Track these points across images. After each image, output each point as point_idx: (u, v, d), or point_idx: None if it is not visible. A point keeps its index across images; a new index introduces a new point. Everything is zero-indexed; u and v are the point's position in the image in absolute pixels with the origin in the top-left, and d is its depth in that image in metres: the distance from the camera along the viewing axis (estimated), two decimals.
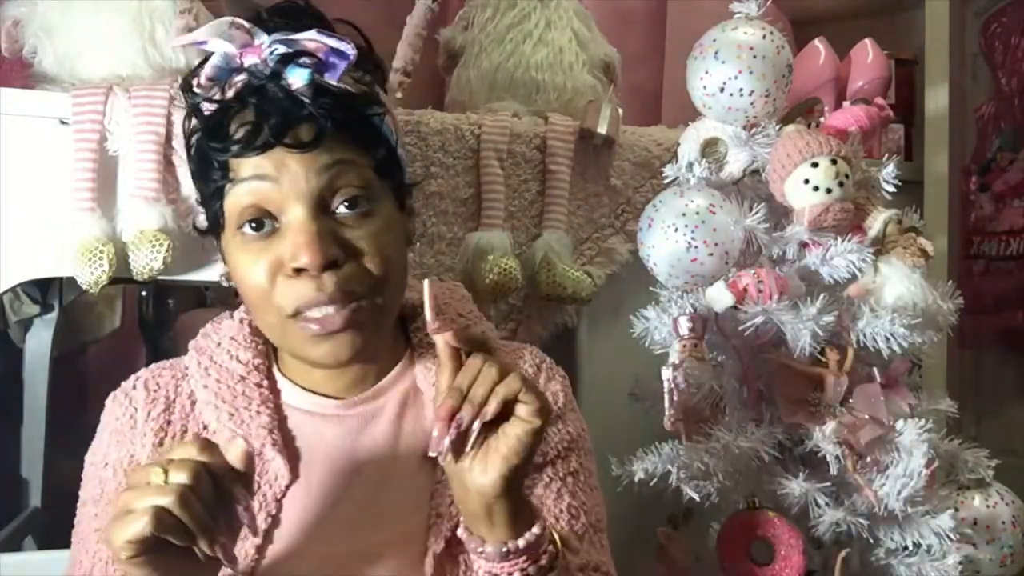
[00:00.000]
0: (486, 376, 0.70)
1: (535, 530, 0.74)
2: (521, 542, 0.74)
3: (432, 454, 0.70)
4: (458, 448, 0.70)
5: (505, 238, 1.40)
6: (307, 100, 0.76)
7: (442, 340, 0.72)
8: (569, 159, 1.45)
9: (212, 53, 0.78)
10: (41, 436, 1.73)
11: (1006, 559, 1.38)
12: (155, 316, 2.06)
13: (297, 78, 0.76)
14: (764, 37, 1.33)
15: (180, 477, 0.65)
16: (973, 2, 2.04)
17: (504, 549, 0.73)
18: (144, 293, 2.04)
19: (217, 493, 0.66)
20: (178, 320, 2.06)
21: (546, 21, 1.53)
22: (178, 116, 1.23)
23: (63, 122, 1.22)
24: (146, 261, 1.18)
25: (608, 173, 1.50)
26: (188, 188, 1.25)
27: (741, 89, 1.32)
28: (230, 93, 0.78)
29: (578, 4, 1.59)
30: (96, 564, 0.83)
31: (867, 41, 1.79)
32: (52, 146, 1.22)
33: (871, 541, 1.26)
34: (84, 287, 1.18)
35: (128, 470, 0.85)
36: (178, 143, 1.24)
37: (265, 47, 0.77)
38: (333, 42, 0.77)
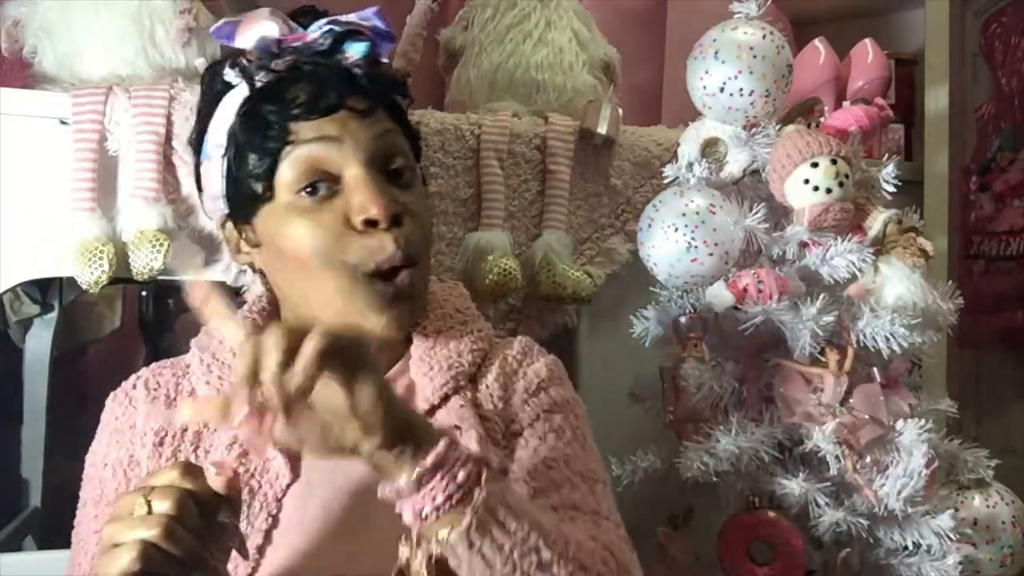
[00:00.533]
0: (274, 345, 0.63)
1: (439, 447, 0.66)
2: (429, 459, 0.66)
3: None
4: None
5: (505, 238, 1.40)
6: (358, 73, 0.83)
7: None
8: (569, 159, 1.45)
9: (232, 47, 0.85)
10: (41, 436, 1.73)
11: (1006, 559, 1.38)
12: (155, 316, 2.06)
13: (355, 51, 0.83)
14: (764, 37, 1.33)
15: (163, 507, 0.63)
16: (973, 2, 2.04)
17: (415, 476, 0.65)
18: (144, 293, 2.04)
19: (204, 517, 0.65)
20: (178, 320, 2.06)
21: (546, 21, 1.53)
22: (178, 116, 1.23)
23: (63, 122, 1.22)
24: (146, 261, 1.18)
25: (608, 173, 1.50)
26: (188, 188, 1.25)
27: (741, 89, 1.32)
28: (282, 67, 0.83)
29: (578, 4, 1.59)
30: (95, 565, 0.83)
31: (867, 41, 1.79)
32: (52, 146, 1.22)
33: (871, 541, 1.26)
34: (84, 287, 1.18)
35: (128, 470, 0.84)
36: (178, 143, 1.24)
37: (314, 29, 0.84)
38: (382, 25, 0.85)
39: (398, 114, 0.87)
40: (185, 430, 0.85)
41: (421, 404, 0.86)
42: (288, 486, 0.82)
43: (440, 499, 0.66)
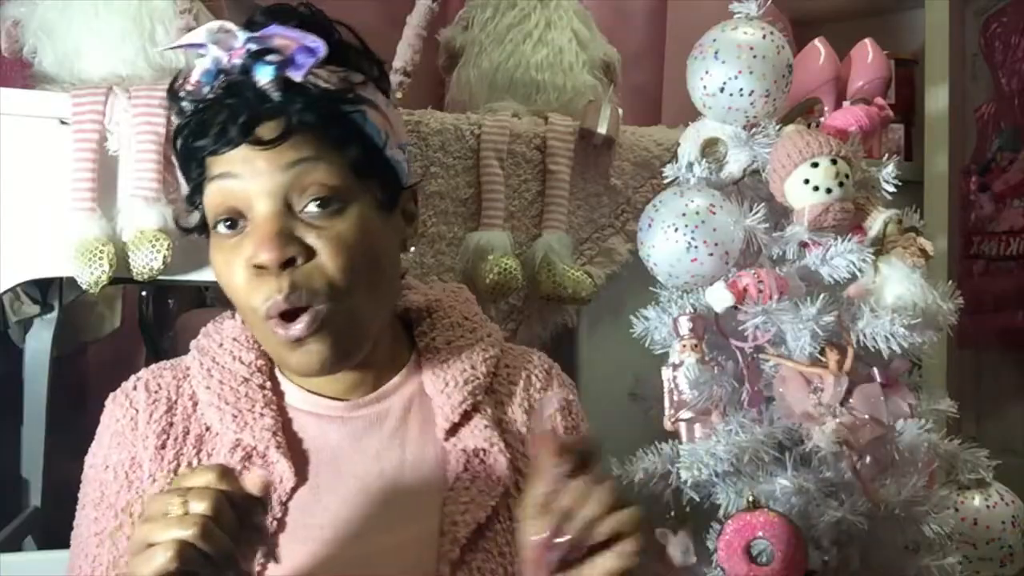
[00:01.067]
0: (599, 499, 0.67)
1: None
2: None
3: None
4: (552, 570, 0.67)
5: (505, 238, 1.40)
6: (274, 97, 0.76)
7: (543, 450, 0.70)
8: (569, 159, 1.45)
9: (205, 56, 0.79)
10: (41, 436, 1.73)
11: (1006, 559, 1.38)
12: (155, 316, 2.06)
13: (263, 75, 0.76)
14: (764, 37, 1.33)
15: (201, 507, 0.64)
16: (973, 2, 2.04)
17: None
18: (144, 293, 2.04)
19: (239, 519, 0.65)
20: (178, 320, 2.06)
21: (546, 21, 1.53)
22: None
23: (63, 122, 1.22)
24: (146, 261, 1.18)
25: (608, 173, 1.50)
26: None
27: (741, 89, 1.32)
28: (210, 93, 0.78)
29: (578, 4, 1.59)
30: (96, 568, 0.82)
31: (867, 41, 1.79)
32: (52, 146, 1.22)
33: (871, 541, 1.26)
34: (84, 287, 1.18)
35: (129, 472, 0.84)
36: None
37: (239, 46, 0.77)
38: (303, 38, 0.76)
39: (331, 132, 0.78)
40: (187, 433, 0.85)
41: (441, 423, 0.86)
42: (293, 490, 0.82)
43: None
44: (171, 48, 0.81)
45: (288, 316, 0.76)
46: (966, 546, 1.30)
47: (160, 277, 1.20)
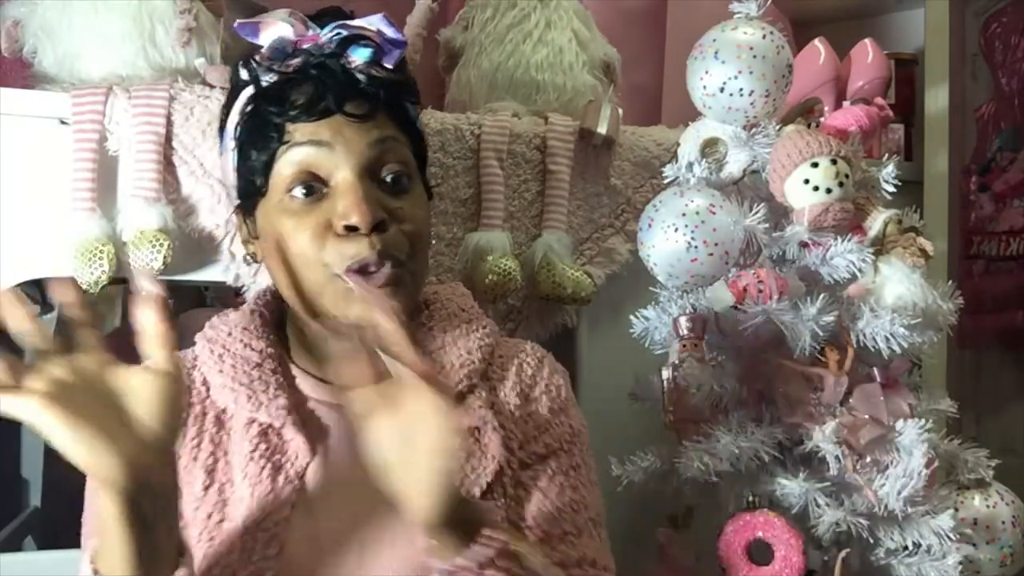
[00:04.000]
0: None
1: (481, 548, 0.73)
2: (466, 555, 0.73)
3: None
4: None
5: (505, 238, 1.40)
6: (361, 78, 0.84)
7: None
8: (569, 159, 1.45)
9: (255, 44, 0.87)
10: (41, 436, 1.73)
11: (1006, 559, 1.38)
12: None
13: (358, 56, 0.84)
14: (764, 37, 1.33)
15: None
16: (973, 2, 2.04)
17: (448, 566, 0.73)
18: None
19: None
20: (178, 320, 2.06)
21: (546, 21, 1.53)
22: (178, 116, 1.23)
23: (63, 122, 1.22)
24: (146, 261, 1.18)
25: (608, 173, 1.50)
26: (188, 188, 1.25)
27: (741, 89, 1.32)
28: (290, 68, 0.84)
29: (578, 4, 1.59)
30: None
31: (867, 41, 1.79)
32: (52, 146, 1.22)
33: (871, 541, 1.26)
34: (84, 287, 1.18)
35: None
36: (178, 143, 1.24)
37: (325, 32, 0.85)
38: (390, 31, 0.86)
39: (403, 119, 0.88)
40: (205, 414, 0.88)
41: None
42: (306, 465, 0.85)
43: None
44: (242, 24, 0.87)
45: (362, 272, 0.81)
46: (966, 546, 1.30)
47: (160, 277, 1.20)
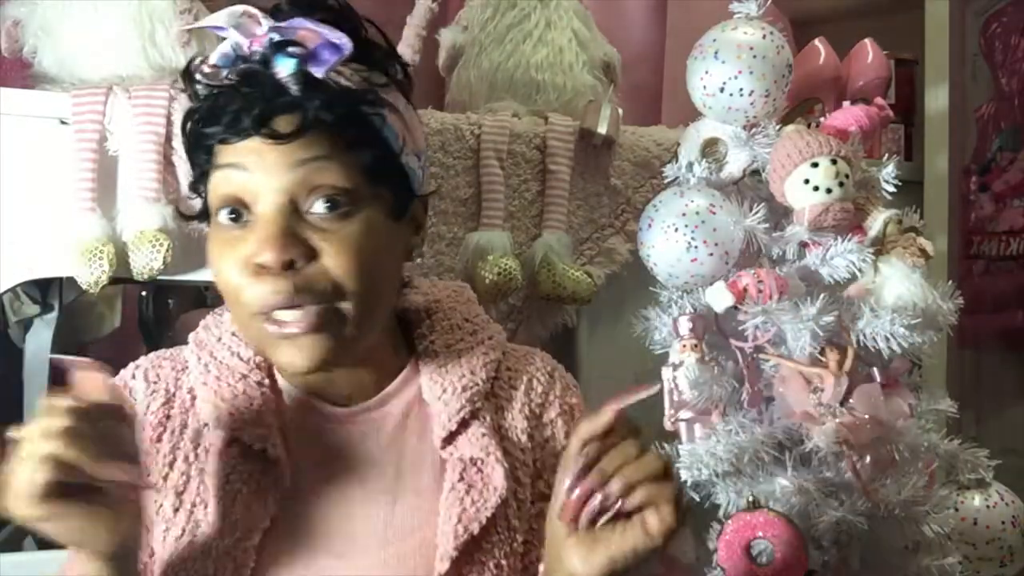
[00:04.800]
0: (642, 466, 0.69)
1: None
2: None
3: (557, 519, 0.70)
4: (577, 521, 0.70)
5: (505, 238, 1.40)
6: (292, 90, 0.73)
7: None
8: (569, 159, 1.45)
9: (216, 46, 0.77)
10: None
11: (1006, 559, 1.38)
12: (155, 316, 2.06)
13: (283, 67, 0.73)
14: (764, 37, 1.33)
15: (56, 422, 0.64)
16: (973, 2, 2.04)
17: None
18: (144, 293, 2.04)
19: (98, 430, 0.66)
20: (178, 320, 2.06)
21: (546, 21, 1.53)
22: (178, 116, 1.23)
23: (63, 122, 1.22)
24: (146, 261, 1.18)
25: (608, 173, 1.50)
26: (188, 188, 1.25)
27: (741, 89, 1.32)
28: (226, 79, 0.76)
29: (578, 4, 1.59)
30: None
31: (867, 41, 1.79)
32: (52, 146, 1.22)
33: (871, 541, 1.26)
34: (84, 287, 1.18)
35: None
36: (178, 143, 1.24)
37: (263, 33, 0.74)
38: (328, 33, 0.73)
39: (348, 133, 0.75)
40: (185, 427, 0.83)
41: (438, 431, 0.83)
42: (290, 492, 0.80)
43: None
44: (191, 28, 0.79)
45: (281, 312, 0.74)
46: (966, 546, 1.30)
47: (160, 277, 1.20)
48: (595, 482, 0.69)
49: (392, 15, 1.53)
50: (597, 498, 0.69)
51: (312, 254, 0.74)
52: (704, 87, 1.35)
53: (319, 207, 0.74)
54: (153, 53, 1.26)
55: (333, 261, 0.74)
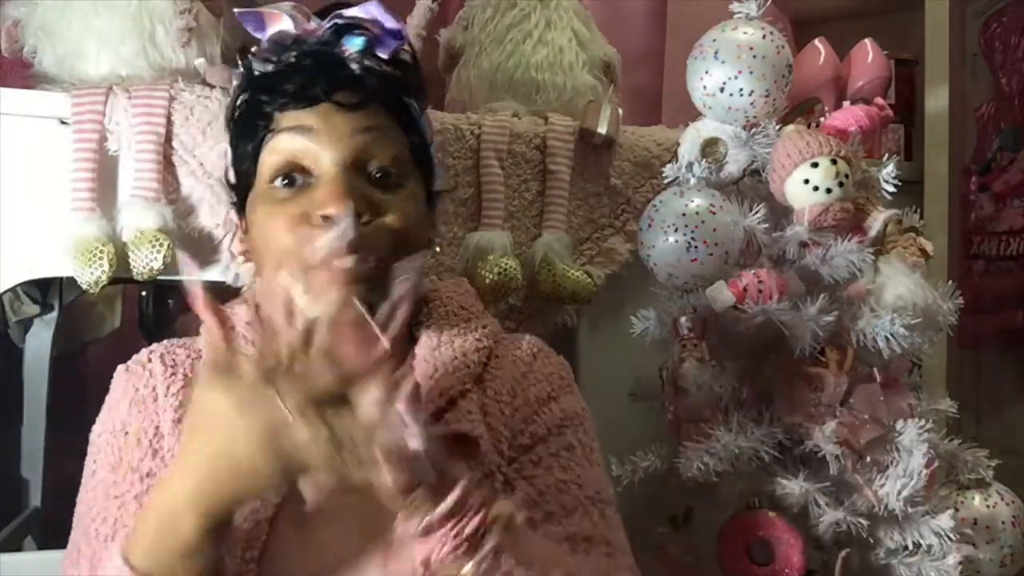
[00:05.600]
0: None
1: (453, 496, 0.65)
2: (440, 508, 0.65)
3: None
4: None
5: (505, 238, 1.40)
6: (354, 67, 0.82)
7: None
8: (569, 159, 1.45)
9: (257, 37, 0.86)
10: (41, 436, 1.73)
11: (1006, 559, 1.38)
12: (155, 316, 2.06)
13: (352, 45, 0.83)
14: (764, 37, 1.33)
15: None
16: (973, 2, 2.04)
17: (423, 524, 0.65)
18: (144, 293, 2.04)
19: None
20: (178, 320, 2.06)
21: (546, 21, 1.53)
22: (178, 116, 1.23)
23: (63, 122, 1.22)
24: (146, 261, 1.18)
25: (608, 173, 1.50)
26: (188, 188, 1.25)
27: (741, 89, 1.32)
28: (285, 59, 0.84)
29: (578, 4, 1.59)
30: (119, 530, 0.80)
31: (867, 41, 1.79)
32: (52, 146, 1.22)
33: (871, 541, 1.26)
34: (84, 287, 1.18)
35: (153, 440, 0.83)
36: (178, 143, 1.24)
37: (325, 24, 0.84)
38: (388, 21, 0.84)
39: (399, 113, 0.85)
40: None
41: (427, 406, 0.83)
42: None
43: (446, 550, 0.65)
44: (246, 15, 0.86)
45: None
46: (966, 546, 1.30)
47: (160, 277, 1.20)
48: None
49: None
50: None
51: (375, 210, 0.80)
52: (704, 87, 1.35)
53: (376, 172, 0.82)
54: (153, 53, 1.26)
55: (392, 219, 0.81)
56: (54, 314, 1.73)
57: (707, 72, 1.34)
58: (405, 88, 0.86)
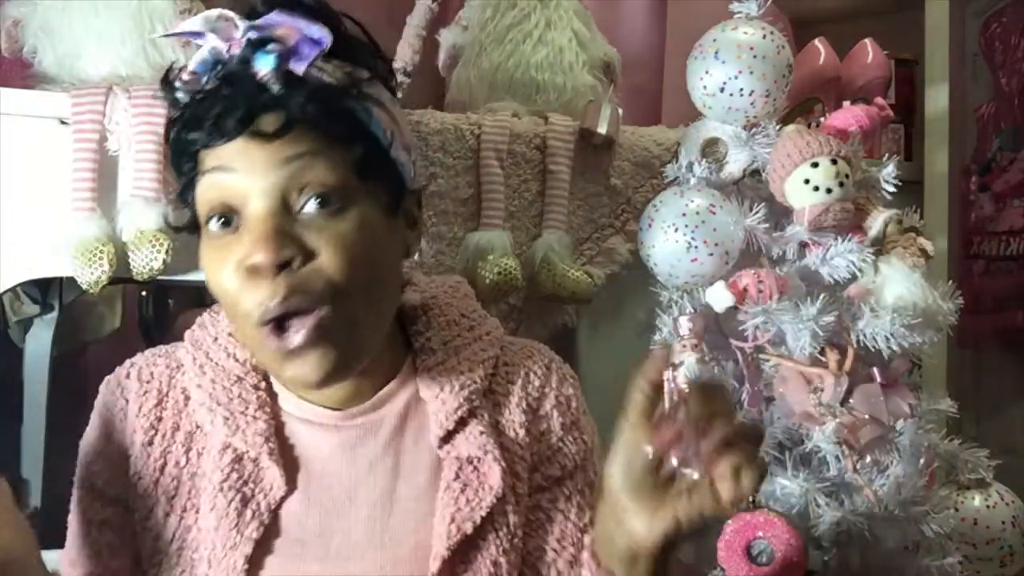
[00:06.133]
0: (738, 429, 0.67)
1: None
2: None
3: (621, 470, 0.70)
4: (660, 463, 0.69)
5: (505, 238, 1.40)
6: (274, 88, 0.71)
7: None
8: (569, 159, 1.45)
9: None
10: (41, 436, 1.73)
11: (1006, 559, 1.38)
12: (155, 316, 2.06)
13: (263, 65, 0.72)
14: (764, 37, 1.33)
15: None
16: (973, 2, 2.04)
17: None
18: (144, 293, 2.04)
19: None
20: (178, 320, 2.06)
21: (546, 21, 1.53)
22: None
23: (63, 122, 1.22)
24: (146, 261, 1.18)
25: (608, 173, 1.50)
26: None
27: (741, 89, 1.32)
28: (210, 84, 0.74)
29: (578, 4, 1.59)
30: (88, 558, 0.81)
31: (867, 41, 1.79)
32: (52, 146, 1.22)
33: (871, 541, 1.26)
34: (84, 287, 1.18)
35: (118, 463, 0.82)
36: None
37: (240, 34, 0.73)
38: (306, 28, 0.72)
39: (335, 127, 0.73)
40: (177, 429, 0.82)
41: (435, 430, 0.82)
42: (283, 499, 0.79)
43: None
44: (167, 36, 0.77)
45: (282, 325, 0.71)
46: (966, 546, 1.30)
47: (160, 277, 1.20)
48: (689, 431, 0.66)
49: (392, 15, 1.54)
50: (685, 448, 0.66)
51: (307, 254, 0.71)
52: (704, 87, 1.35)
53: (310, 205, 0.72)
54: (153, 53, 1.26)
55: (329, 260, 0.72)
56: (54, 314, 1.72)
57: (707, 72, 1.34)
58: (343, 96, 0.74)
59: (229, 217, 0.73)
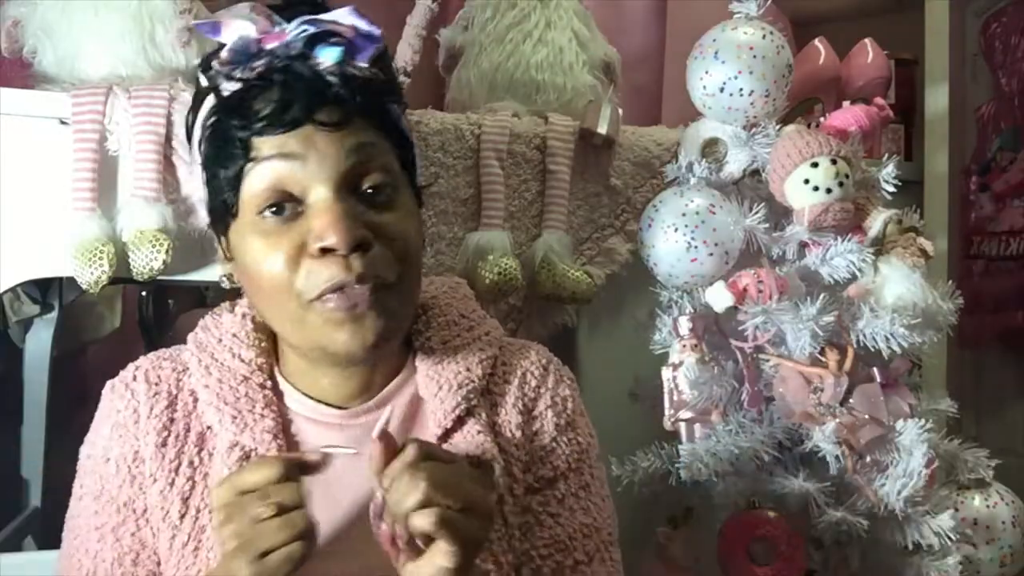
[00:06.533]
0: (410, 492, 0.69)
1: None
2: None
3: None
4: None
5: (505, 238, 1.40)
6: (332, 80, 0.75)
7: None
8: (569, 159, 1.45)
9: (223, 43, 0.77)
10: (41, 436, 1.73)
11: (1006, 559, 1.38)
12: (155, 316, 2.06)
13: (327, 57, 0.75)
14: (764, 37, 1.33)
15: (291, 500, 0.70)
16: (973, 2, 2.04)
17: None
18: (144, 293, 2.04)
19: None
20: (178, 320, 2.06)
21: (546, 21, 1.53)
22: (178, 116, 1.23)
23: (63, 122, 1.22)
24: (146, 261, 1.18)
25: (608, 173, 1.50)
26: (188, 188, 1.25)
27: (741, 89, 1.32)
28: (252, 74, 0.76)
29: (578, 4, 1.59)
30: (99, 565, 0.82)
31: (867, 41, 1.79)
32: (52, 146, 1.22)
33: (871, 541, 1.26)
34: (84, 287, 1.18)
35: (132, 467, 0.83)
36: (178, 143, 1.24)
37: (292, 29, 0.76)
38: (363, 25, 0.76)
39: (384, 122, 0.79)
40: (188, 430, 0.83)
41: (433, 428, 0.83)
42: None
43: None
44: (202, 23, 0.78)
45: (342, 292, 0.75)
46: (966, 546, 1.30)
47: (160, 277, 1.20)
48: (389, 520, 0.71)
49: (392, 15, 1.53)
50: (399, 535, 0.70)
51: (379, 235, 0.75)
52: (704, 87, 1.35)
53: (370, 191, 0.76)
54: (153, 53, 1.26)
55: (393, 243, 0.76)
56: (54, 314, 1.72)
57: (707, 72, 1.34)
58: (388, 95, 0.80)
59: (282, 206, 0.75)
